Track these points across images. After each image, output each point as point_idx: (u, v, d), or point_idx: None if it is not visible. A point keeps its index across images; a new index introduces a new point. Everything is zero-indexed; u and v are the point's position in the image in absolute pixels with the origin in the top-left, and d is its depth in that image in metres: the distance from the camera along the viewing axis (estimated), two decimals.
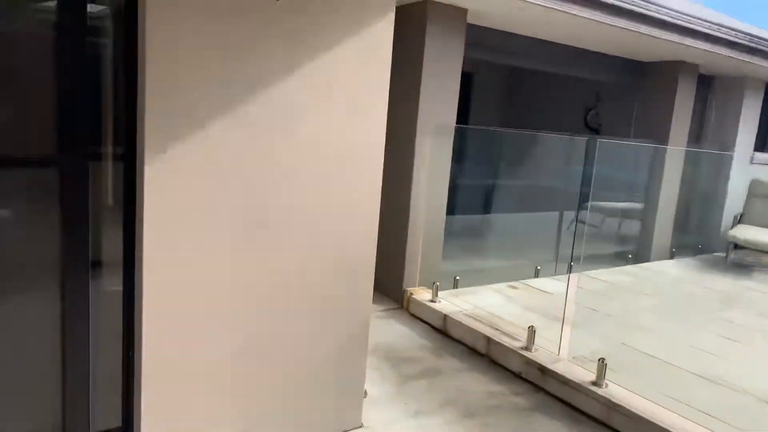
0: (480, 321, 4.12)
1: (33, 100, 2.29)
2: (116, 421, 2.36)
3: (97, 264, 2.24)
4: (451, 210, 4.92)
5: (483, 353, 3.85)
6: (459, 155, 4.95)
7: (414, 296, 4.58)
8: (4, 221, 2.40)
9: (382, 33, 2.53)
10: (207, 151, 2.17)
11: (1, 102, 2.27)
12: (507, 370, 3.66)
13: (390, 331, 4.21)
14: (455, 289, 4.84)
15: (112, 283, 2.31)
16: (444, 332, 4.21)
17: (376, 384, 3.28)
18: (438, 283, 4.51)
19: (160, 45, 2.01)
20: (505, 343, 3.74)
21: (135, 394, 2.27)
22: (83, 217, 2.07)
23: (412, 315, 4.56)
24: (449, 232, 4.94)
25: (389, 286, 4.74)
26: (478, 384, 3.46)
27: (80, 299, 2.12)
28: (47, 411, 2.23)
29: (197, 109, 2.13)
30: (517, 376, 3.59)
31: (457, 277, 4.89)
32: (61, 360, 2.19)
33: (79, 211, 2.06)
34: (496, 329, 3.97)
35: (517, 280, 5.33)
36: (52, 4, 2.09)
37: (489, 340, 3.83)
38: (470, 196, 6.40)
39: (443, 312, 4.26)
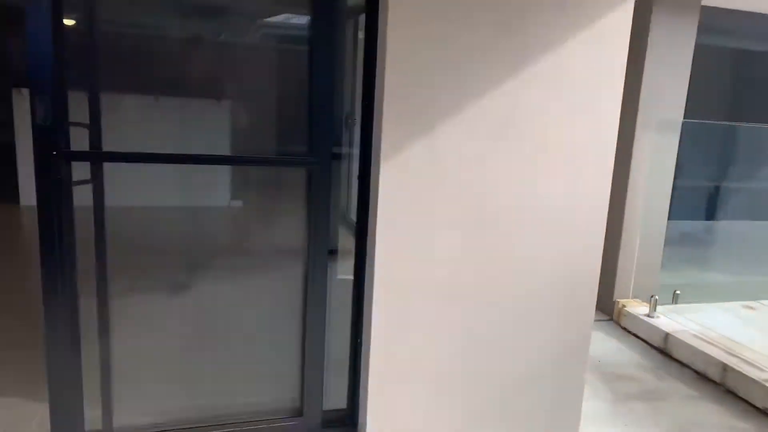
0: (712, 344, 3.59)
1: (282, 108, 2.55)
2: (341, 403, 2.52)
3: (331, 252, 2.42)
4: (670, 215, 4.39)
5: (716, 381, 3.36)
6: (682, 153, 4.39)
7: (627, 309, 4.18)
8: (257, 211, 2.72)
9: (618, 24, 2.32)
10: (436, 151, 2.19)
11: (258, 110, 2.57)
12: (748, 403, 3.14)
13: (600, 344, 3.90)
14: (675, 305, 4.31)
15: (342, 272, 2.49)
16: (664, 352, 3.77)
17: (588, 399, 3.05)
18: (656, 297, 4.06)
19: (398, 49, 2.08)
20: (746, 373, 3.20)
21: (361, 379, 2.40)
22: (325, 210, 2.24)
23: (624, 329, 4.17)
24: (668, 240, 4.42)
25: (598, 295, 4.39)
26: (713, 416, 3.01)
27: (320, 286, 2.31)
28: (287, 389, 2.46)
29: (429, 110, 2.16)
30: (764, 412, 3.05)
31: (677, 291, 4.35)
32: (300, 342, 2.41)
33: (322, 205, 2.23)
34: (734, 355, 3.43)
35: (754, 299, 4.56)
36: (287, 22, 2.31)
37: (725, 366, 3.32)
38: (694, 199, 5.66)
39: (663, 329, 3.81)
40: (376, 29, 2.17)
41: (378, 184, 2.18)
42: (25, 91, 6.30)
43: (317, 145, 2.14)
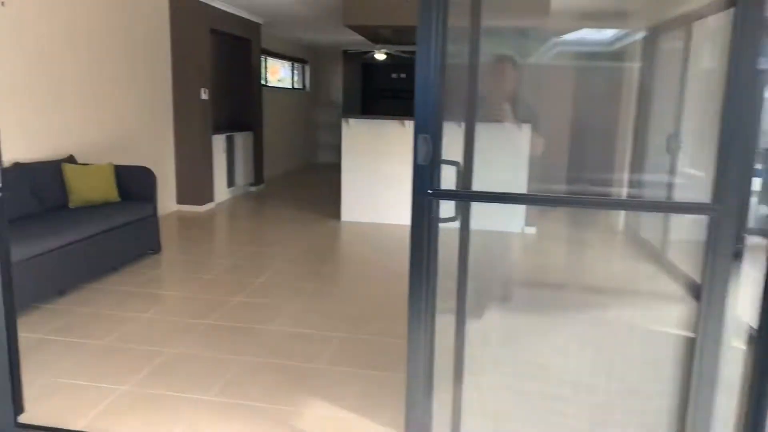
0: None
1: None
2: None
3: None
4: None
5: None
6: None
7: None
8: (552, 239, 2.40)
9: None
10: None
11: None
12: None
13: None
14: None
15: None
16: None
17: None
18: None
19: None
20: None
21: None
22: (726, 268, 1.80)
23: None
24: None
25: None
26: None
27: (712, 357, 1.88)
28: None
29: None
30: None
31: None
32: (677, 421, 2.00)
33: (724, 262, 1.80)
34: None
35: None
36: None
37: None
38: None
39: None
40: None
41: None
42: (352, 122, 7.17)
43: (726, 187, 1.72)
